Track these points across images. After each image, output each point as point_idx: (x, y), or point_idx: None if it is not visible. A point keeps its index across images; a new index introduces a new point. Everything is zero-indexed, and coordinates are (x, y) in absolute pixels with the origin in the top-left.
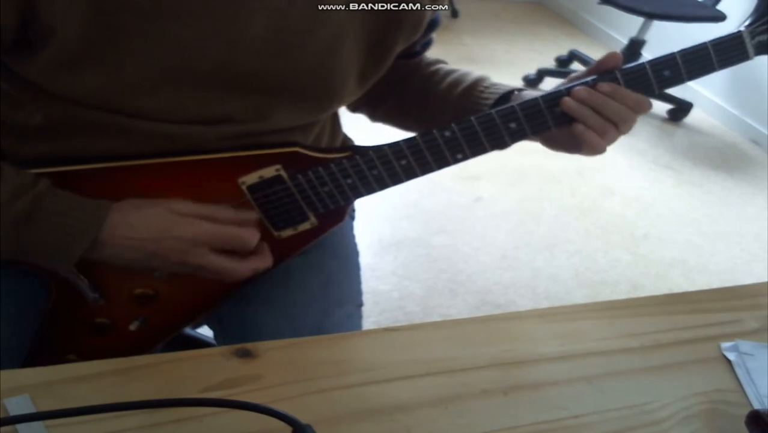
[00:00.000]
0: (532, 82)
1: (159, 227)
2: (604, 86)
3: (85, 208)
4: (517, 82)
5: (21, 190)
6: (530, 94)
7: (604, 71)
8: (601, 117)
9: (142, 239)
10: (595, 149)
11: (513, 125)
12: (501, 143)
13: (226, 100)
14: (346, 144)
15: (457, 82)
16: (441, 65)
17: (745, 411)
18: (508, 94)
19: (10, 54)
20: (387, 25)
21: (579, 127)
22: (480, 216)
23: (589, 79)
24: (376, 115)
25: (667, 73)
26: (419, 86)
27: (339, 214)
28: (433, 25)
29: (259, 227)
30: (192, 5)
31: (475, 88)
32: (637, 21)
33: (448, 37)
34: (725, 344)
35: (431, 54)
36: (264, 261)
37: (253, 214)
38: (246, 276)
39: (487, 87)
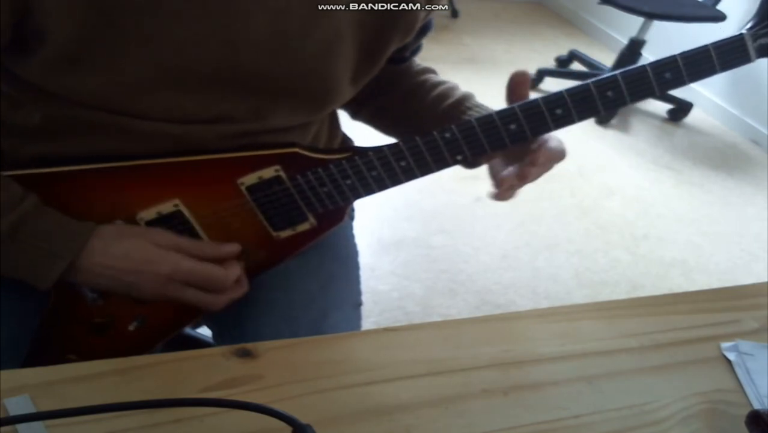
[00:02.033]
0: (532, 82)
1: (138, 259)
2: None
3: (67, 232)
4: None
5: (8, 206)
6: None
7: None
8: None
9: (121, 270)
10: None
11: (513, 126)
12: (501, 145)
13: (225, 101)
14: (346, 144)
15: (443, 96)
16: (429, 75)
17: (745, 411)
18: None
19: (7, 55)
20: (383, 24)
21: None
22: (480, 216)
23: (589, 81)
24: (358, 115)
25: (668, 75)
26: (406, 93)
27: (338, 214)
28: (424, 30)
29: (241, 259)
30: (191, 6)
31: (461, 105)
32: (637, 21)
33: (448, 37)
34: (725, 344)
35: (432, 54)
36: (240, 290)
37: (236, 247)
38: (222, 306)
39: (472, 106)
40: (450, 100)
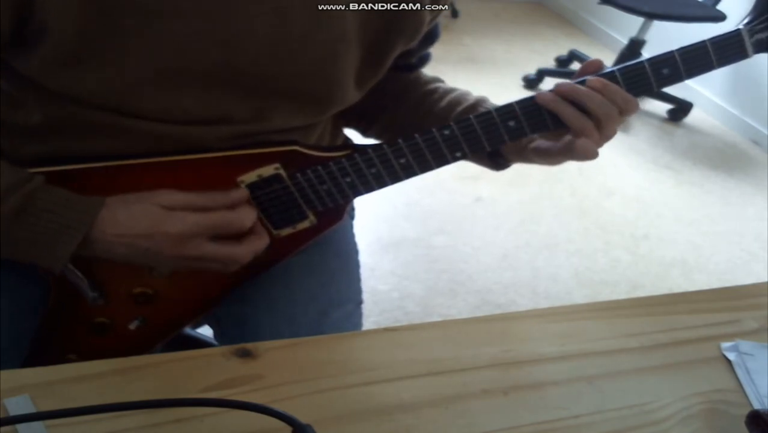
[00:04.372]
0: (532, 82)
1: (148, 223)
2: (594, 82)
3: (77, 205)
4: (517, 82)
5: (15, 186)
6: None
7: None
8: (580, 111)
9: (132, 236)
10: (584, 151)
11: (512, 123)
12: (500, 142)
13: (226, 101)
14: (346, 143)
15: (457, 101)
16: (439, 84)
17: (745, 411)
18: None
19: (8, 52)
20: (387, 27)
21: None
22: (480, 216)
23: (587, 78)
24: (369, 131)
25: (666, 71)
26: (417, 103)
27: (338, 212)
28: (431, 37)
29: (252, 206)
30: (191, 6)
31: (475, 110)
32: (637, 21)
33: (448, 37)
34: (725, 344)
35: (433, 54)
36: (261, 240)
37: (244, 192)
38: (247, 258)
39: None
40: (464, 106)
